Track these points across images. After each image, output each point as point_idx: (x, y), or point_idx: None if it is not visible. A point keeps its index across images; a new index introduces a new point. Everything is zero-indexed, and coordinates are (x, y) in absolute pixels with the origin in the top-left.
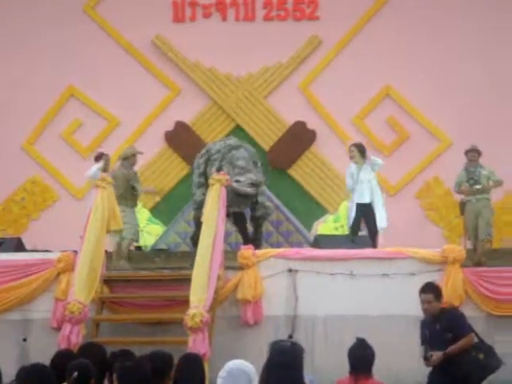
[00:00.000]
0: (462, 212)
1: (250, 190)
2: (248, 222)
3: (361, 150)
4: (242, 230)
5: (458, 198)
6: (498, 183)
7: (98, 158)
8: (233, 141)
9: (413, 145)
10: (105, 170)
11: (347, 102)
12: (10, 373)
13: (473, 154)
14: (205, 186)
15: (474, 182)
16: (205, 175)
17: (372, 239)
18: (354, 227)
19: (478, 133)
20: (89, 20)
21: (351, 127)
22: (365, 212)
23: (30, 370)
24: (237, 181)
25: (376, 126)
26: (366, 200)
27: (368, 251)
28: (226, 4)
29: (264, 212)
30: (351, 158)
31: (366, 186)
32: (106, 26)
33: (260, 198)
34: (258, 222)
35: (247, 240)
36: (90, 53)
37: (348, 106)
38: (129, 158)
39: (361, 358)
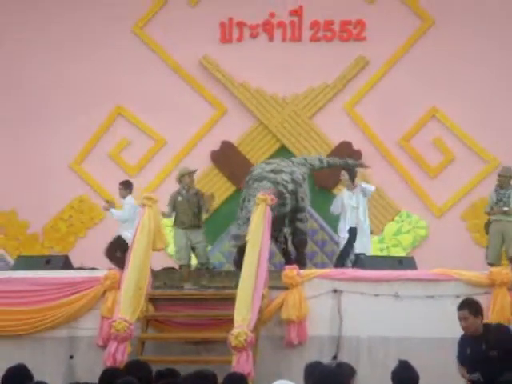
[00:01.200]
0: (487, 231)
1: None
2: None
3: (351, 175)
4: (284, 252)
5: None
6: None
7: (124, 184)
8: (271, 166)
9: (459, 166)
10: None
11: (393, 123)
12: None
13: (500, 179)
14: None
15: (503, 204)
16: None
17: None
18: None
19: None
20: (137, 40)
21: (397, 148)
22: (349, 235)
23: None
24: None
25: (422, 147)
26: (352, 224)
27: (413, 273)
28: (272, 25)
29: (301, 239)
30: (341, 182)
31: (352, 211)
32: (154, 46)
33: (299, 225)
34: (296, 247)
35: (289, 262)
36: (138, 73)
37: (394, 127)
38: (181, 180)
39: (404, 380)
